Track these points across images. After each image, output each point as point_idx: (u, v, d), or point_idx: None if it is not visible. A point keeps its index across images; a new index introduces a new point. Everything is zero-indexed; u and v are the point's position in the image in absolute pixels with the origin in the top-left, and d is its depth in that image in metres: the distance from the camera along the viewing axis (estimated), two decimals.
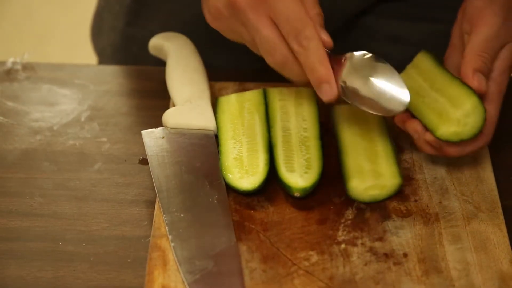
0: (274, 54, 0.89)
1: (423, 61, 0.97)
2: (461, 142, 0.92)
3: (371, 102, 0.90)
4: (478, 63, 0.91)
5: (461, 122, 0.91)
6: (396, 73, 0.91)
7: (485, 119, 0.91)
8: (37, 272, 0.90)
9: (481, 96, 0.91)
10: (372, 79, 0.90)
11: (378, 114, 0.91)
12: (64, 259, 0.92)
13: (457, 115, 0.91)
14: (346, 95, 0.90)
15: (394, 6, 1.16)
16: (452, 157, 0.94)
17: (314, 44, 0.87)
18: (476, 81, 0.90)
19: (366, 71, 0.90)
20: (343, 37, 0.92)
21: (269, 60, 0.90)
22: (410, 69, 0.97)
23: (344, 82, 0.89)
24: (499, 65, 0.93)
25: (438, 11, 1.14)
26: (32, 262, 0.91)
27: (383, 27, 1.17)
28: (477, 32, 0.91)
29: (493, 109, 0.93)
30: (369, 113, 0.90)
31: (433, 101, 0.93)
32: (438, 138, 0.92)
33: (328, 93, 0.88)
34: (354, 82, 0.89)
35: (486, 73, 0.92)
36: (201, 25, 1.14)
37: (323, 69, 0.87)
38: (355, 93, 0.90)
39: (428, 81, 0.95)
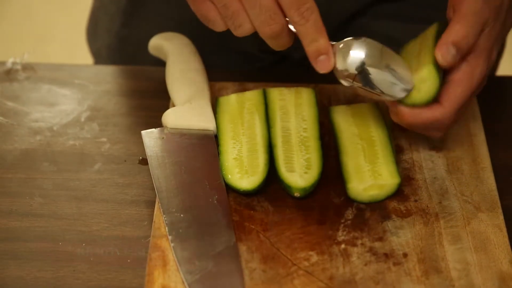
0: (272, 24, 0.89)
1: (433, 29, 0.96)
2: (415, 107, 0.92)
3: (375, 88, 0.91)
4: (453, 35, 0.91)
5: (416, 87, 0.91)
6: (400, 58, 0.92)
7: (437, 89, 0.91)
8: (37, 272, 0.90)
9: (449, 72, 0.92)
10: (376, 63, 0.91)
11: (381, 98, 0.93)
12: (64, 259, 0.92)
13: (414, 79, 0.92)
14: (343, 76, 0.91)
15: (388, 7, 1.16)
16: (408, 123, 0.93)
17: (315, 15, 0.88)
18: (440, 52, 0.90)
19: (369, 54, 0.91)
20: (337, 39, 0.94)
21: (265, 30, 0.89)
22: (421, 35, 0.97)
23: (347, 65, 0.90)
24: (476, 48, 0.93)
25: (432, 12, 1.14)
26: (32, 262, 0.91)
27: (377, 28, 1.17)
28: (459, 9, 0.92)
29: (460, 90, 0.92)
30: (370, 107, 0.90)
31: (411, 65, 0.94)
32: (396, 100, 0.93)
33: (326, 64, 0.89)
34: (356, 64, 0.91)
35: (463, 48, 0.91)
36: (197, 26, 1.14)
37: (322, 41, 0.88)
38: (356, 75, 0.91)
39: (420, 47, 0.95)
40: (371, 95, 0.93)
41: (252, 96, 1.04)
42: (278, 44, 0.91)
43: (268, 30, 0.90)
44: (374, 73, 0.91)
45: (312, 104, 1.03)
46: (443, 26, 0.94)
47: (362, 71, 0.90)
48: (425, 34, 0.96)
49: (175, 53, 1.09)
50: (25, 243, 0.92)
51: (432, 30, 0.95)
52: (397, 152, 1.01)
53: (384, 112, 1.03)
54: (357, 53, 0.91)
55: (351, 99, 1.07)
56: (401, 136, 1.03)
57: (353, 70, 0.90)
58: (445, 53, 0.90)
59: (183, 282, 0.88)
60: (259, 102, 1.03)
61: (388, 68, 0.91)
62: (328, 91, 1.09)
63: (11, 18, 2.69)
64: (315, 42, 0.89)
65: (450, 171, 0.99)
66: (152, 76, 1.13)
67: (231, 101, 1.04)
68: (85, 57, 1.34)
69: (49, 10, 2.71)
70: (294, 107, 1.02)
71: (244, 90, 1.08)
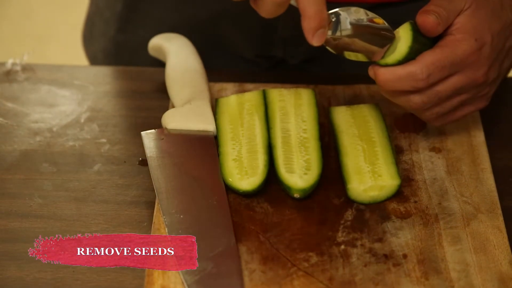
0: None
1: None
2: (388, 66, 0.93)
3: (356, 44, 0.94)
4: (430, 7, 0.94)
5: (391, 48, 0.94)
6: (381, 19, 0.95)
7: (409, 50, 0.92)
8: (37, 273, 0.90)
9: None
10: (356, 23, 0.93)
11: (364, 58, 0.94)
12: None
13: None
14: (331, 44, 0.93)
15: (389, 11, 1.16)
16: (383, 80, 0.94)
17: None
18: (422, 16, 0.93)
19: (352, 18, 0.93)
20: None
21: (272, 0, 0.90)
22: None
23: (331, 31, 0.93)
24: (460, 27, 0.94)
25: None
26: (32, 263, 0.91)
27: None
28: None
29: (437, 52, 0.94)
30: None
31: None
32: (375, 62, 0.94)
33: (321, 38, 0.90)
34: (341, 30, 0.93)
35: (444, 19, 0.94)
36: (191, 29, 1.14)
37: (324, 16, 0.89)
38: (341, 39, 0.93)
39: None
40: (355, 52, 0.94)
41: (251, 97, 1.04)
42: (275, 13, 0.90)
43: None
44: (356, 28, 0.93)
45: (311, 105, 1.03)
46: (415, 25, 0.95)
47: (346, 27, 0.93)
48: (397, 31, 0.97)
49: (174, 53, 1.09)
50: (25, 244, 0.92)
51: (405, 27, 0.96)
52: (397, 153, 1.01)
53: (384, 113, 1.03)
54: (343, 15, 0.93)
55: (351, 100, 1.07)
56: (401, 137, 1.03)
57: (340, 30, 0.93)
58: (425, 18, 0.93)
59: (182, 283, 0.88)
60: (259, 103, 1.03)
61: (371, 22, 0.94)
62: (328, 92, 1.09)
63: (11, 19, 2.69)
64: (317, 18, 0.89)
65: (449, 172, 0.99)
66: (151, 77, 1.13)
67: (230, 102, 1.04)
68: (84, 58, 1.34)
69: (49, 11, 2.71)
70: (294, 108, 1.02)
71: (243, 91, 1.08)
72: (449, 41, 0.94)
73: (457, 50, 0.94)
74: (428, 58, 0.94)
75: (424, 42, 0.94)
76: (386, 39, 0.94)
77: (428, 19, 0.94)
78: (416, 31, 0.94)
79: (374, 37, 0.94)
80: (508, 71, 1.02)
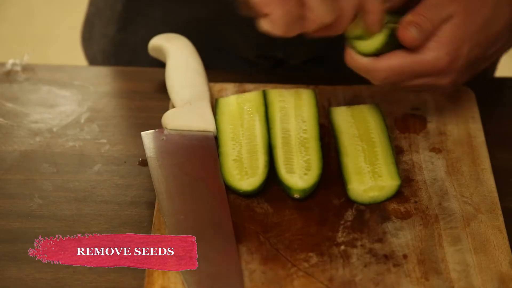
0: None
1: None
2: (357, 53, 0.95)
3: None
4: (416, 18, 0.94)
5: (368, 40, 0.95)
6: None
7: (376, 51, 0.94)
8: (37, 273, 0.90)
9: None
10: None
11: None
12: None
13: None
14: None
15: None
16: (347, 60, 0.96)
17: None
18: (402, 30, 0.94)
19: None
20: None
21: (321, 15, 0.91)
22: None
23: None
24: (437, 34, 0.95)
25: None
26: (32, 263, 0.91)
27: None
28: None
29: (402, 55, 0.94)
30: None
31: None
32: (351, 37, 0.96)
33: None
34: None
35: (425, 33, 0.94)
36: (191, 30, 1.14)
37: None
38: None
39: None
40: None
41: (252, 97, 1.04)
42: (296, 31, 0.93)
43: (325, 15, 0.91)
44: None
45: (312, 105, 1.03)
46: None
47: None
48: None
49: (174, 54, 1.09)
50: (25, 245, 0.92)
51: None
52: (397, 153, 1.01)
53: (384, 113, 1.03)
54: None
55: (351, 101, 1.07)
56: (401, 138, 1.03)
57: None
58: (405, 32, 0.94)
59: (182, 283, 0.87)
60: (259, 103, 1.03)
61: None
62: (328, 93, 1.09)
63: (11, 19, 2.69)
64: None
65: (450, 173, 0.99)
66: (151, 78, 1.13)
67: (231, 102, 1.04)
68: (85, 58, 1.34)
69: (49, 11, 2.71)
70: (294, 109, 1.02)
71: (244, 91, 1.08)
72: (420, 47, 0.95)
73: (422, 59, 0.95)
74: (389, 62, 0.95)
75: (399, 44, 0.95)
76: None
77: (407, 35, 0.94)
78: (393, 37, 0.94)
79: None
80: (482, 68, 1.01)
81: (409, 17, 0.94)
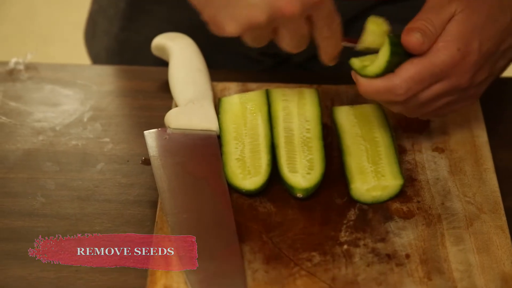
0: (302, 46, 0.93)
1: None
2: (368, 78, 0.93)
3: None
4: (416, 23, 0.94)
5: (373, 60, 0.94)
6: None
7: (387, 64, 0.92)
8: (40, 272, 0.90)
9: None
10: None
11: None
12: None
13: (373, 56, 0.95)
14: None
15: (390, 9, 1.16)
16: (364, 91, 0.94)
17: (340, 28, 0.94)
18: (406, 35, 0.93)
19: None
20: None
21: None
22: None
23: None
24: (445, 33, 0.94)
25: None
26: (35, 262, 0.91)
27: None
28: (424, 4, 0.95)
29: (416, 63, 0.93)
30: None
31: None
32: (355, 70, 0.95)
33: (336, 61, 0.95)
34: None
35: (429, 36, 0.93)
36: (195, 29, 1.14)
37: (340, 46, 0.95)
38: None
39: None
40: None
41: (254, 97, 1.04)
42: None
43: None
44: None
45: (315, 104, 1.03)
46: (397, 37, 0.94)
47: None
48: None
49: (178, 53, 1.09)
50: (28, 243, 0.92)
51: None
52: (400, 153, 1.01)
53: (387, 113, 1.03)
54: None
55: (354, 100, 1.07)
56: (404, 137, 1.03)
57: None
58: (409, 38, 0.93)
59: (185, 282, 0.88)
60: (262, 102, 1.03)
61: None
62: (331, 92, 1.09)
63: (14, 18, 2.69)
64: (337, 48, 0.94)
65: (452, 172, 0.99)
66: (154, 77, 1.13)
67: (233, 101, 1.04)
68: (88, 57, 1.34)
69: (52, 10, 2.71)
70: (297, 108, 1.02)
71: (246, 90, 1.08)
72: (429, 50, 0.93)
73: (436, 60, 0.93)
74: (406, 72, 0.92)
75: (405, 53, 0.93)
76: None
77: (411, 39, 0.92)
78: (396, 45, 0.92)
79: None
80: (503, 70, 1.01)
81: (409, 25, 0.94)
